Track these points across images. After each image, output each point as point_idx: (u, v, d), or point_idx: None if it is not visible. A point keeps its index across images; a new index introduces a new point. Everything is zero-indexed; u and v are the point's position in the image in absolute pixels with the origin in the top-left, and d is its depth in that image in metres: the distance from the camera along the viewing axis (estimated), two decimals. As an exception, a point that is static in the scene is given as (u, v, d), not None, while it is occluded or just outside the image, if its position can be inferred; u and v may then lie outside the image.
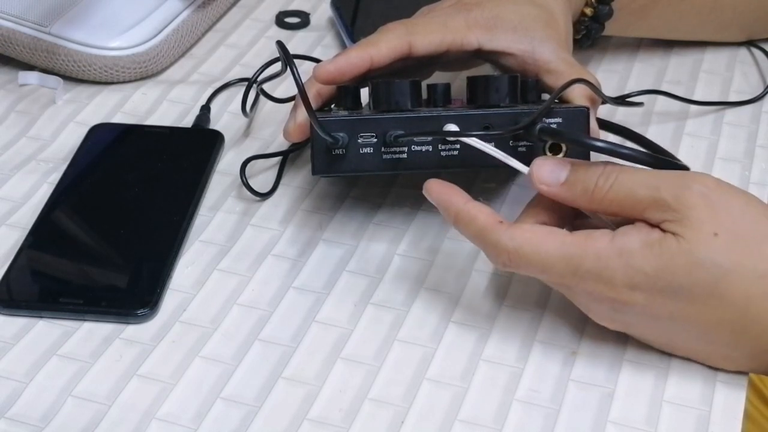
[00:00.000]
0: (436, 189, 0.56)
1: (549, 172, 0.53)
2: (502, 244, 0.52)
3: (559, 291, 0.55)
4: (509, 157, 0.56)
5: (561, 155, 0.57)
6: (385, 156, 0.58)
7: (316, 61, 0.73)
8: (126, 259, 0.62)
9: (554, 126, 0.58)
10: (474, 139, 0.56)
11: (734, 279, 0.50)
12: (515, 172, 0.55)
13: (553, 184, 0.53)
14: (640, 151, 0.54)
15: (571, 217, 0.55)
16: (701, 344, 0.53)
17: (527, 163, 0.55)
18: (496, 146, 0.56)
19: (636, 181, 0.51)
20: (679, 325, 0.52)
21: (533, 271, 0.53)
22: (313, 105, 0.62)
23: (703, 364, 0.55)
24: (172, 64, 0.80)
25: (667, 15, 0.76)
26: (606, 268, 0.50)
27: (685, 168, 0.54)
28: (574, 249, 0.51)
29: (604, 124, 0.66)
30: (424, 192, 0.56)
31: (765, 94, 0.76)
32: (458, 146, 0.58)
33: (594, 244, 0.51)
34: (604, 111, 0.70)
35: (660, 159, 0.53)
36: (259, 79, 0.71)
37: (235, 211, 0.66)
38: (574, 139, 0.56)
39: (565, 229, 0.53)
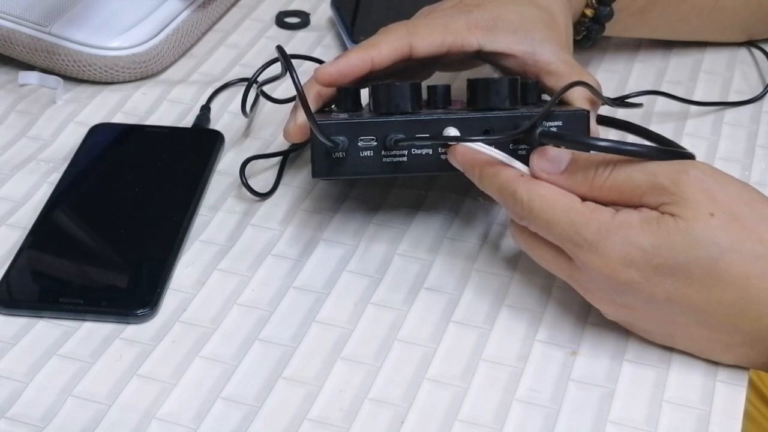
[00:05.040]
0: (461, 151, 0.57)
1: (550, 161, 0.54)
2: (518, 195, 0.54)
3: (561, 277, 0.56)
4: (511, 158, 0.56)
5: None
6: (385, 159, 0.58)
7: (317, 61, 0.74)
8: (126, 259, 0.62)
9: (554, 129, 0.58)
10: (477, 143, 0.56)
11: (732, 258, 0.50)
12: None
13: (554, 172, 0.54)
14: (643, 145, 0.54)
15: None
16: (700, 330, 0.53)
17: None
18: (496, 149, 0.56)
19: (634, 168, 0.53)
20: (677, 308, 0.52)
21: (540, 227, 0.54)
22: (313, 106, 0.62)
23: (703, 362, 0.55)
24: (172, 64, 0.80)
25: (667, 16, 0.76)
26: (603, 240, 0.51)
27: (690, 156, 0.54)
28: (579, 216, 0.52)
29: (606, 121, 0.66)
30: (448, 157, 0.58)
31: (765, 94, 0.76)
32: (458, 149, 0.58)
33: (597, 216, 0.52)
34: (605, 111, 0.70)
35: (664, 150, 0.54)
36: (259, 80, 0.71)
37: (235, 211, 0.66)
38: (575, 140, 0.56)
39: (577, 197, 0.53)
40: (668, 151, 0.54)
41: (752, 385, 0.87)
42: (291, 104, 0.66)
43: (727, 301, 0.51)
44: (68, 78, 0.77)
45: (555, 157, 0.54)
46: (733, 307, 0.51)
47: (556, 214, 0.53)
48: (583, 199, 0.54)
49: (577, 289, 0.55)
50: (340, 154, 0.58)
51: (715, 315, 0.52)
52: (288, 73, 0.57)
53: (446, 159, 0.58)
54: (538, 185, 0.54)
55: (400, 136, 0.57)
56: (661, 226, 0.51)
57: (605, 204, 0.53)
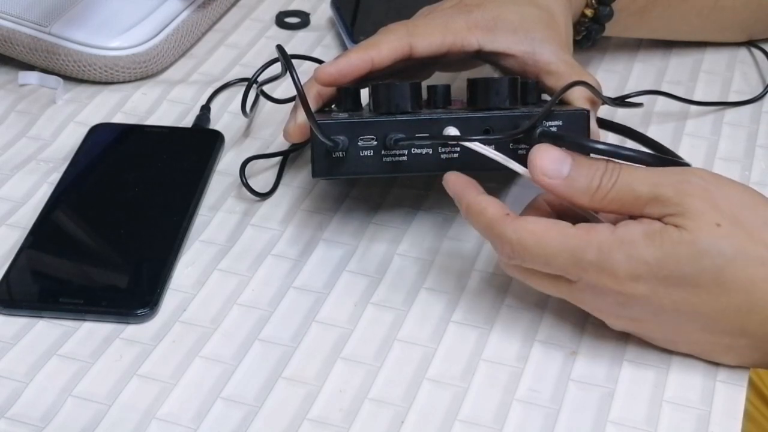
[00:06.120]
0: (453, 180, 0.57)
1: (551, 163, 0.53)
2: (506, 236, 0.53)
3: (562, 297, 0.55)
4: (509, 159, 0.56)
5: None
6: (385, 159, 0.58)
7: (317, 61, 0.74)
8: (126, 259, 0.62)
9: (554, 129, 0.58)
10: (476, 143, 0.56)
11: (738, 265, 0.50)
12: (516, 173, 0.55)
13: (556, 176, 0.53)
14: (640, 151, 0.54)
15: (570, 217, 0.55)
16: (705, 335, 0.53)
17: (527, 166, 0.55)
18: (496, 149, 0.56)
19: (636, 179, 0.52)
20: (684, 317, 0.52)
21: (536, 263, 0.53)
22: (313, 106, 0.62)
23: (703, 362, 0.55)
24: (172, 64, 0.80)
25: (667, 16, 0.76)
26: (608, 259, 0.51)
27: (686, 165, 0.54)
28: (577, 241, 0.51)
29: (605, 124, 0.66)
30: (443, 183, 0.57)
31: (765, 94, 0.76)
32: (458, 149, 0.58)
33: (596, 235, 0.51)
34: (605, 111, 0.70)
35: (661, 158, 0.54)
36: (259, 79, 0.71)
37: (235, 211, 0.66)
38: (575, 142, 0.56)
39: (567, 222, 0.53)
40: (664, 158, 0.54)
41: (752, 385, 0.87)
42: (291, 104, 0.66)
43: (734, 306, 0.51)
44: (68, 78, 0.77)
45: (556, 159, 0.53)
46: (739, 311, 0.51)
47: (552, 247, 0.52)
48: (582, 208, 0.54)
49: (582, 307, 0.55)
50: (340, 154, 0.58)
51: (721, 321, 0.52)
52: (288, 73, 0.57)
53: (446, 159, 0.58)
54: (524, 221, 0.53)
55: (400, 135, 0.57)
56: (665, 238, 0.50)
57: (605, 213, 0.53)
